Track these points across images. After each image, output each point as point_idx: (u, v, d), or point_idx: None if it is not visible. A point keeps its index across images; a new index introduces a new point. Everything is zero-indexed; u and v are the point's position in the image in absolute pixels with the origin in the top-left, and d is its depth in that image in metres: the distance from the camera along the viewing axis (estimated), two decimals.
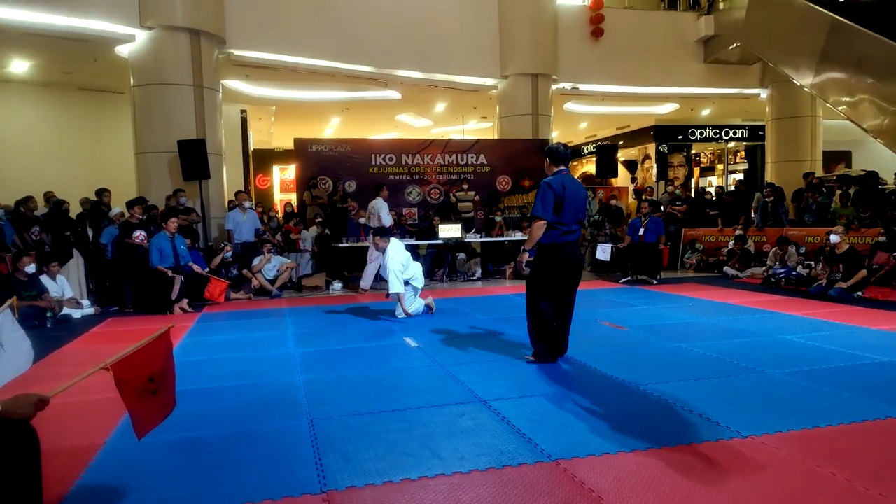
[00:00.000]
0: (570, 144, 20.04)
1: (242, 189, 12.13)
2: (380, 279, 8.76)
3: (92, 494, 2.65)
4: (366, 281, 9.25)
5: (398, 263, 6.75)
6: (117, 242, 8.43)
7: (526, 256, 4.62)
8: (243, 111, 15.15)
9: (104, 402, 3.62)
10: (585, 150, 21.40)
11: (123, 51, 10.02)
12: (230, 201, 10.76)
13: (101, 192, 9.40)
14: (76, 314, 7.65)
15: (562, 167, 4.63)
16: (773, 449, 2.92)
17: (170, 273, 7.77)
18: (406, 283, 6.82)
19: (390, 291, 6.79)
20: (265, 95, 13.83)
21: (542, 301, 4.58)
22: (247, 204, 10.06)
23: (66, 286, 7.88)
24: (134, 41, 9.68)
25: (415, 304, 6.97)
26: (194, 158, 9.50)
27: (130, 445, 3.07)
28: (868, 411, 3.38)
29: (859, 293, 7.55)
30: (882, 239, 8.92)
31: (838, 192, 11.17)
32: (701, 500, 2.45)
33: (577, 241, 4.69)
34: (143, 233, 8.27)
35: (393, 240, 7.02)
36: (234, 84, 12.79)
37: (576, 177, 4.68)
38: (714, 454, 2.89)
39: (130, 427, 2.50)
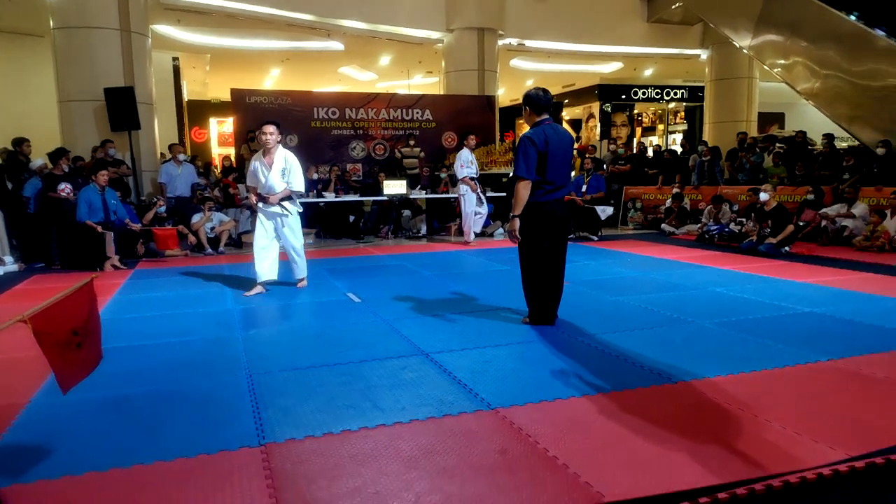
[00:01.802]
0: (515, 102, 19.97)
1: (177, 142, 11.59)
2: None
3: (14, 454, 2.53)
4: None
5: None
6: (41, 196, 7.96)
7: (517, 224, 4.18)
8: (175, 59, 14.34)
9: (27, 361, 3.45)
10: None
11: None
12: (163, 154, 10.27)
13: (20, 142, 8.77)
14: None
15: (544, 115, 4.20)
16: (701, 393, 3.05)
17: (99, 228, 7.41)
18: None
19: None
20: (199, 42, 13.10)
21: (533, 263, 4.28)
22: (181, 157, 9.62)
23: None
24: None
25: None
26: (123, 108, 8.99)
27: (56, 404, 2.95)
28: (790, 357, 3.57)
29: (787, 248, 7.91)
30: (810, 197, 9.33)
31: (766, 153, 11.58)
32: (631, 442, 2.54)
33: (563, 199, 4.30)
34: (69, 185, 7.83)
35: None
36: (165, 29, 12.06)
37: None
38: (647, 399, 3.00)
39: (56, 386, 2.38)
